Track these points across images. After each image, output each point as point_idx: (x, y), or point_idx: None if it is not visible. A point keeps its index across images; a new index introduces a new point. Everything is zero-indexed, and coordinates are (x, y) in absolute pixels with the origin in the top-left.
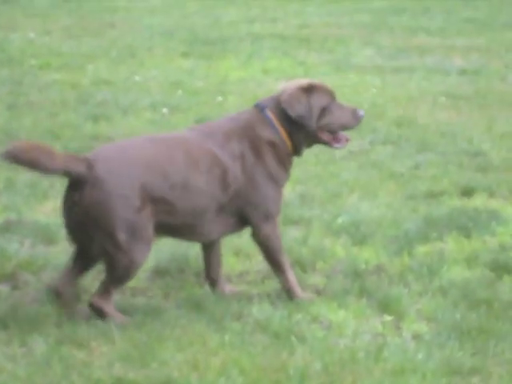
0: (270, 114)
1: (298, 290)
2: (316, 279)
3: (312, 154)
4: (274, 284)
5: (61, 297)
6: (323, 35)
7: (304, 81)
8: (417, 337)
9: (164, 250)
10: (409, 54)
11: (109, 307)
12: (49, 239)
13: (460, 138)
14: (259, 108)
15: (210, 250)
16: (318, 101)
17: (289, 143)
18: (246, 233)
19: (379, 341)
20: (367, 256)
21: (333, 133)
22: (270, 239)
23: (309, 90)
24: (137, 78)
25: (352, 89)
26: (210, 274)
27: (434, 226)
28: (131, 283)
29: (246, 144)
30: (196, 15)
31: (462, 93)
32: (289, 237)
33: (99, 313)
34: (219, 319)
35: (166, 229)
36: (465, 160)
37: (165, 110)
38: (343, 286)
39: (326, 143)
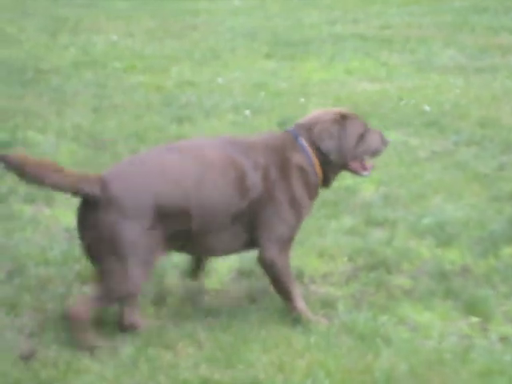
0: (303, 141)
1: (309, 315)
2: (401, 281)
3: (395, 155)
4: (358, 286)
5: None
6: (405, 36)
7: (336, 111)
8: (504, 339)
9: (248, 251)
10: (491, 54)
11: (139, 320)
12: None
13: None
14: (293, 135)
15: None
16: (353, 131)
17: (320, 174)
18: (330, 234)
19: (466, 342)
20: (452, 257)
21: (361, 160)
22: (277, 264)
23: (342, 121)
24: (220, 79)
25: (435, 89)
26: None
27: None
28: (216, 285)
29: (273, 161)
30: (278, 17)
31: None
32: (373, 238)
33: (133, 328)
34: (304, 321)
35: (179, 240)
36: None
37: (247, 112)
38: (429, 287)
39: (354, 172)
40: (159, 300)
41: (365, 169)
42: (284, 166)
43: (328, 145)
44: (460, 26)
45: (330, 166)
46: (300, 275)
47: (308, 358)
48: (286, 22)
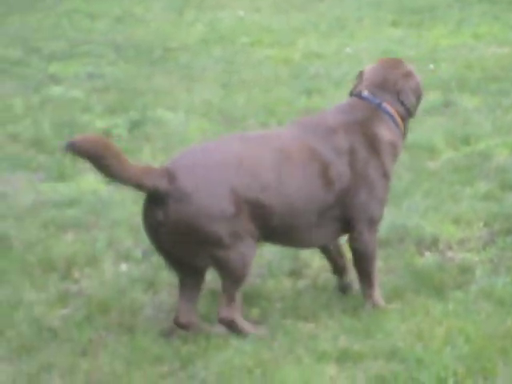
0: (390, 109)
1: (382, 303)
2: None
3: None
4: (495, 251)
5: (189, 329)
6: None
7: (398, 63)
8: None
9: (383, 220)
10: None
11: (239, 318)
12: None
13: None
14: (374, 102)
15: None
16: (420, 85)
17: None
18: (465, 200)
19: None
20: None
21: None
22: (368, 247)
23: (413, 74)
24: (348, 49)
25: None
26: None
27: None
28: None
29: (360, 140)
30: None
31: None
32: (508, 202)
33: (232, 325)
34: (441, 288)
35: (264, 234)
36: None
37: None
38: None
39: None
40: (295, 272)
41: None
42: (372, 144)
43: (413, 101)
44: None
45: (407, 122)
46: (435, 242)
47: (446, 325)
48: None
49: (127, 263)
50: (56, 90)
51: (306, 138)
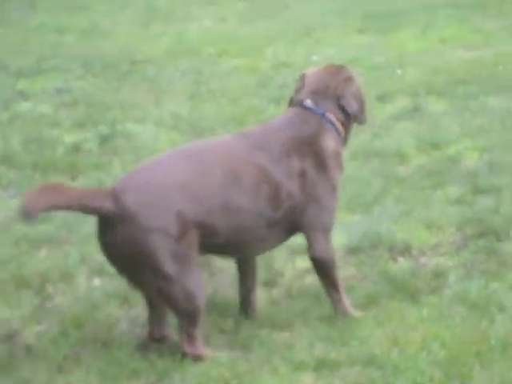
0: (332, 117)
1: (351, 309)
2: (510, 247)
3: (497, 122)
4: (468, 255)
5: (164, 342)
6: None
7: (338, 69)
8: None
9: (355, 227)
10: None
11: (203, 350)
12: None
13: None
14: (318, 112)
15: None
16: (361, 89)
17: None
18: (436, 205)
19: None
20: None
21: None
22: (327, 254)
23: (353, 79)
24: (314, 57)
25: None
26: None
27: None
28: None
29: (310, 159)
30: None
31: None
32: (480, 206)
33: (199, 360)
34: (416, 293)
35: (210, 249)
36: None
37: None
38: None
39: None
40: (269, 282)
41: None
42: (320, 161)
43: (354, 106)
44: None
45: (350, 129)
46: (408, 248)
47: (422, 331)
48: None
49: (101, 278)
50: (24, 106)
51: (256, 157)
